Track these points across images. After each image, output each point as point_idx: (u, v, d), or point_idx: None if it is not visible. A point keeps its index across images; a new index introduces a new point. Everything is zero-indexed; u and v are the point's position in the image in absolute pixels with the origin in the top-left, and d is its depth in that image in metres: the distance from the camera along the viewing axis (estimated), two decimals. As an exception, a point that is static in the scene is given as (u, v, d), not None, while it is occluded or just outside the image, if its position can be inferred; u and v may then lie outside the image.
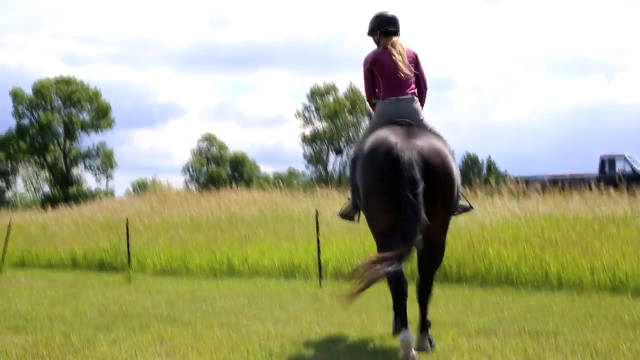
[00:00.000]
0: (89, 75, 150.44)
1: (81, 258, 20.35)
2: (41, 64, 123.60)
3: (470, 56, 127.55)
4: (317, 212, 15.33)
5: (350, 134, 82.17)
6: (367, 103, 8.72)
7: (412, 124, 7.76)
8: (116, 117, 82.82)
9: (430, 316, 7.62)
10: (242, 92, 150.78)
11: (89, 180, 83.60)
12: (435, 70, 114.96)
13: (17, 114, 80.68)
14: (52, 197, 74.27)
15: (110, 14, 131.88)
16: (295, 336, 8.05)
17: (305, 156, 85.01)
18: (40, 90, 79.98)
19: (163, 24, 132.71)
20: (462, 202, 8.29)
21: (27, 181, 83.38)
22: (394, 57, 8.07)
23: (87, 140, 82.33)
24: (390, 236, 6.90)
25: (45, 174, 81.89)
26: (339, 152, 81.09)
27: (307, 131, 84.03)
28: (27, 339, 7.98)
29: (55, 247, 22.04)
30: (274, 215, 21.37)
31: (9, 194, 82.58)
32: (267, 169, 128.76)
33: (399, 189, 6.94)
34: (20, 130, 79.85)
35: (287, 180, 76.57)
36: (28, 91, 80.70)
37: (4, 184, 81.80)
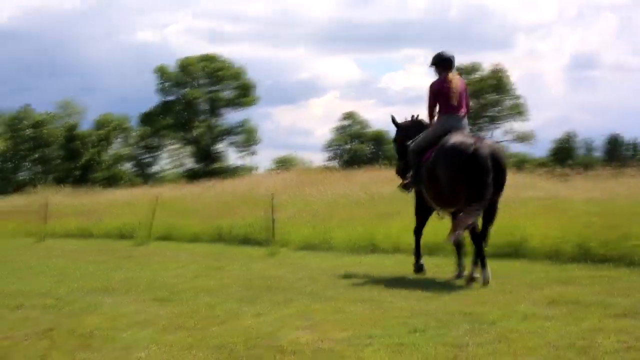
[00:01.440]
0: (232, 52, 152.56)
1: (226, 232, 20.60)
2: (185, 42, 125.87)
3: (615, 34, 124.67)
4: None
5: (493, 113, 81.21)
6: (429, 115, 11.89)
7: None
8: (258, 94, 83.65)
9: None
10: (383, 71, 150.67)
11: (232, 156, 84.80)
12: (577, 48, 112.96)
13: (163, 91, 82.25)
14: (196, 172, 75.54)
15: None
16: (438, 313, 7.97)
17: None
18: (186, 67, 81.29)
19: (306, 2, 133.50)
20: None
21: (172, 156, 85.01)
22: (452, 87, 11.67)
23: (231, 117, 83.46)
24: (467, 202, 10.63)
25: (190, 149, 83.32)
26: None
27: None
28: (172, 311, 8.10)
29: (200, 221, 22.39)
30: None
31: (154, 169, 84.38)
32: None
33: (478, 173, 10.57)
34: (165, 107, 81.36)
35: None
36: (172, 68, 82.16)
37: (150, 159, 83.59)
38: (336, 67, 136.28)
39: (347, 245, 16.79)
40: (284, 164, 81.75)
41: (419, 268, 12.00)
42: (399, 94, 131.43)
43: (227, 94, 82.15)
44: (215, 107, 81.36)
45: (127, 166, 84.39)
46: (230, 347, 6.32)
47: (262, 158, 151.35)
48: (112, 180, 63.01)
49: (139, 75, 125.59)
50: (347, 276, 11.65)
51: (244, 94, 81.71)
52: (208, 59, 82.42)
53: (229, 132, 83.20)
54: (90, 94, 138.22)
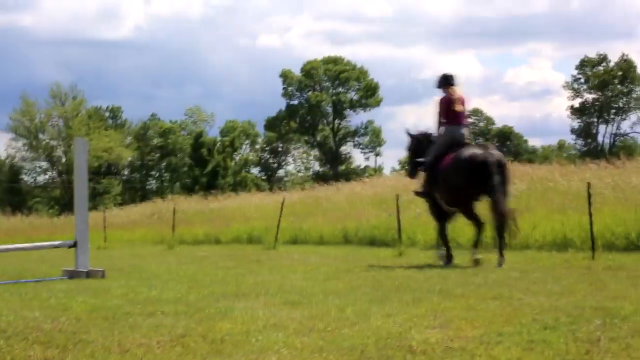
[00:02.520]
0: (352, 53, 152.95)
1: (352, 234, 20.68)
2: (306, 45, 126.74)
3: None
4: (588, 184, 14.98)
5: (621, 104, 79.62)
6: (437, 125, 14.30)
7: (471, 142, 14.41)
8: (382, 94, 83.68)
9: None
10: (506, 66, 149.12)
11: (358, 157, 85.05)
12: None
13: (287, 95, 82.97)
14: (322, 175, 75.95)
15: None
16: (569, 308, 7.84)
17: (573, 129, 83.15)
18: (309, 70, 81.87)
19: (425, 0, 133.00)
20: None
21: (298, 160, 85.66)
22: (456, 101, 13.97)
23: (355, 119, 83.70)
24: (473, 205, 13.85)
25: (315, 152, 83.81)
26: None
27: (576, 103, 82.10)
28: (303, 313, 8.13)
29: (327, 223, 22.52)
30: (544, 188, 20.99)
31: (281, 173, 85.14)
32: (534, 142, 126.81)
33: (487, 178, 12.99)
34: (291, 111, 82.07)
35: (556, 153, 75.11)
36: (296, 72, 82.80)
37: (276, 164, 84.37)
38: (459, 64, 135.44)
39: (475, 242, 16.63)
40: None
41: (448, 259, 14.20)
42: (523, 89, 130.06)
43: (351, 95, 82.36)
44: (340, 109, 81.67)
45: (254, 171, 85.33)
46: (361, 349, 6.31)
47: (387, 159, 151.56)
48: (239, 186, 63.83)
49: (262, 81, 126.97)
50: (476, 274, 11.56)
51: (368, 95, 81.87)
52: (331, 61, 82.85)
53: (353, 133, 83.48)
54: (213, 101, 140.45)
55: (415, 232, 18.34)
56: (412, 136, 15.22)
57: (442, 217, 14.52)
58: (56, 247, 14.89)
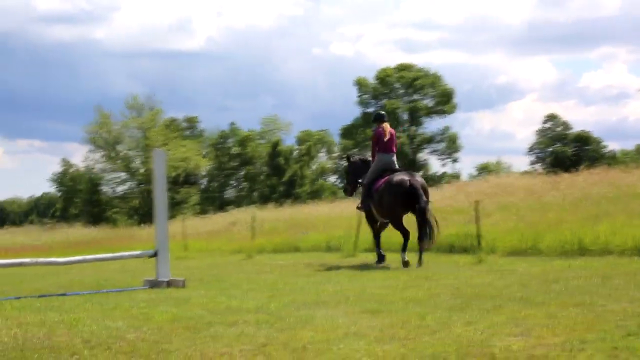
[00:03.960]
0: (425, 60, 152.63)
1: (430, 241, 20.59)
2: (378, 53, 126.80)
3: None
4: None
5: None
6: (372, 154, 17.66)
7: (399, 168, 17.41)
8: (457, 100, 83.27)
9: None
10: (581, 70, 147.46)
11: (435, 164, 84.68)
12: None
13: (362, 103, 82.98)
14: (399, 182, 75.85)
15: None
16: (654, 315, 7.75)
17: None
18: (384, 78, 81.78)
19: (497, 6, 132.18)
20: None
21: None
22: (386, 134, 17.13)
23: (431, 125, 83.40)
24: (402, 218, 16.75)
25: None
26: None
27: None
28: (383, 321, 8.13)
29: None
30: (625, 193, 20.71)
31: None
32: (613, 146, 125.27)
33: (413, 199, 16.15)
34: (366, 119, 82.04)
35: (635, 157, 74.02)
36: (370, 80, 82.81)
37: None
38: (533, 69, 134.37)
39: (556, 249, 16.50)
40: (486, 169, 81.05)
41: (380, 259, 17.26)
42: (599, 93, 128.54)
43: (427, 102, 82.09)
44: (415, 116, 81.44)
45: (331, 179, 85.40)
46: (443, 356, 6.30)
47: (464, 165, 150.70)
48: (316, 194, 63.90)
49: (335, 89, 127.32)
50: (556, 281, 11.44)
51: (443, 101, 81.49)
52: (404, 68, 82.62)
53: (430, 140, 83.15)
54: (287, 110, 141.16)
55: (494, 238, 18.17)
56: (351, 161, 18.89)
57: (376, 225, 17.89)
58: (137, 257, 15.08)
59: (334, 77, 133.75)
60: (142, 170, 75.67)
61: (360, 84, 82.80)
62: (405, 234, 16.68)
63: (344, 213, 28.26)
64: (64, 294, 12.74)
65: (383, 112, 18.13)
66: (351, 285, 12.14)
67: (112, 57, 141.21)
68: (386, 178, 16.74)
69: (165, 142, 71.32)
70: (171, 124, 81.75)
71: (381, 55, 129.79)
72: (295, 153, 77.52)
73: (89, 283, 15.17)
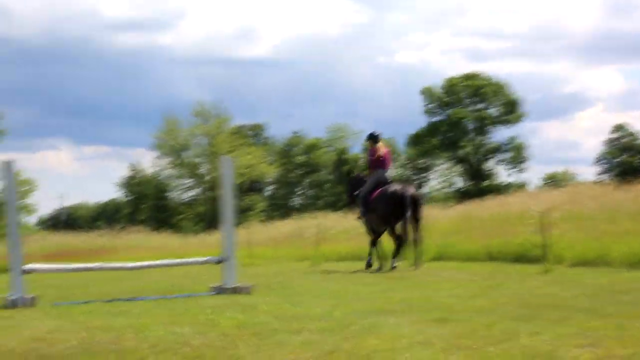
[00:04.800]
0: (492, 69, 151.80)
1: (497, 250, 20.44)
2: (444, 61, 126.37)
3: None
4: None
5: None
6: (369, 170, 19.43)
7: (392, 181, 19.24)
8: (524, 109, 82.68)
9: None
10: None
11: (502, 173, 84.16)
12: None
13: (429, 112, 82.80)
14: (465, 191, 75.43)
15: (507, 8, 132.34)
16: None
17: None
18: (450, 87, 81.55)
19: (565, 15, 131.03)
20: None
21: (442, 176, 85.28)
22: (382, 152, 19.07)
23: (498, 134, 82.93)
24: (395, 225, 18.46)
25: (459, 168, 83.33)
26: None
27: None
28: (449, 331, 8.09)
29: (472, 240, 22.33)
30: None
31: (425, 190, 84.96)
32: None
33: (407, 209, 17.96)
34: (433, 127, 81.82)
35: None
36: (436, 89, 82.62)
37: (420, 180, 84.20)
38: (601, 79, 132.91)
39: (625, 260, 16.29)
40: (554, 179, 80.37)
41: (368, 265, 19.10)
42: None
43: (493, 111, 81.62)
44: (482, 125, 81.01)
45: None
46: (509, 367, 6.26)
47: (532, 174, 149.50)
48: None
49: (400, 98, 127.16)
50: (626, 292, 11.30)
51: (510, 110, 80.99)
52: (471, 77, 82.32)
53: (497, 149, 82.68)
54: (352, 118, 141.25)
55: (562, 248, 17.99)
56: (351, 176, 21.47)
57: (374, 234, 19.37)
58: (204, 263, 15.16)
59: (398, 86, 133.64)
60: (208, 177, 76.17)
61: (426, 93, 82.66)
62: (399, 240, 18.50)
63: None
64: (131, 299, 12.88)
65: (377, 133, 19.60)
66: (417, 294, 12.10)
67: (178, 63, 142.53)
68: (381, 189, 18.65)
69: (232, 149, 71.70)
70: (238, 131, 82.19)
71: (447, 63, 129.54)
72: (361, 161, 77.37)
73: (156, 288, 15.31)
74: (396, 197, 18.15)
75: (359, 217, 19.72)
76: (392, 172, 20.14)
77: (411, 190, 18.69)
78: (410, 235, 18.37)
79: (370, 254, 19.29)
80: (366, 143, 20.55)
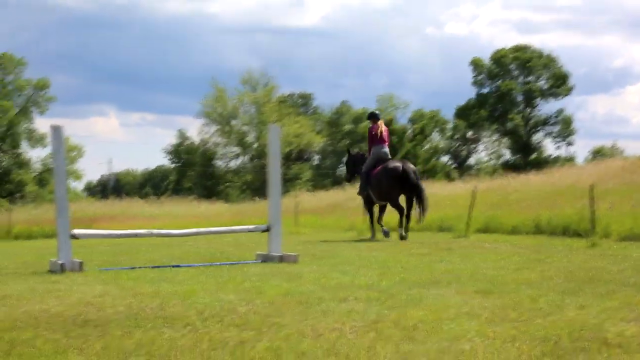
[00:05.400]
0: (542, 42, 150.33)
1: (544, 224, 20.36)
2: (493, 33, 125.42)
3: None
4: None
5: None
6: (368, 146, 20.76)
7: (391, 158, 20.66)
8: (572, 83, 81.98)
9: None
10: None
11: (549, 147, 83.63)
12: None
13: (478, 83, 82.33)
14: (513, 164, 75.03)
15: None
16: None
17: None
18: (499, 59, 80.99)
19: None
20: None
21: (489, 149, 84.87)
22: (381, 130, 20.37)
23: (546, 107, 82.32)
24: (398, 198, 20.03)
25: (506, 141, 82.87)
26: None
27: None
28: (495, 303, 8.08)
29: (518, 213, 22.25)
30: None
31: (471, 161, 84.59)
32: None
33: (408, 182, 19.56)
34: (481, 99, 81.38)
35: None
36: (485, 61, 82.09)
37: (466, 152, 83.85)
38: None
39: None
40: (601, 153, 79.72)
41: (373, 237, 20.70)
42: None
43: (541, 84, 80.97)
44: (530, 98, 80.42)
45: (444, 159, 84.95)
46: (555, 340, 6.24)
47: (579, 148, 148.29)
48: (429, 174, 63.64)
49: (448, 69, 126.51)
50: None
51: (558, 84, 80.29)
52: (520, 49, 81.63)
53: (544, 122, 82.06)
54: (400, 89, 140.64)
55: (609, 223, 17.88)
56: (350, 154, 22.52)
57: (372, 208, 21.01)
58: (250, 231, 15.24)
59: (447, 57, 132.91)
60: (255, 145, 76.31)
61: (476, 65, 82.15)
62: (401, 210, 19.89)
63: (456, 193, 28.15)
64: (177, 266, 12.98)
65: (377, 112, 21.56)
66: (463, 265, 12.09)
67: (226, 31, 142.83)
68: (382, 165, 20.09)
69: (279, 117, 71.73)
70: (286, 100, 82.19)
71: (496, 35, 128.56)
72: (409, 132, 77.20)
73: (202, 255, 15.42)
74: (398, 171, 19.68)
75: (359, 193, 21.24)
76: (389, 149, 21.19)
77: (411, 165, 20.22)
78: (409, 208, 20.08)
79: (372, 225, 21.08)
80: (367, 122, 22.03)
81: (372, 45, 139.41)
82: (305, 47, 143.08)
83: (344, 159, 22.67)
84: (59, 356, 6.03)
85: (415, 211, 19.99)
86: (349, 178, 22.71)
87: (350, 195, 33.99)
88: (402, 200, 20.26)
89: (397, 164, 20.07)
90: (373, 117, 21.03)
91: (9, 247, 22.69)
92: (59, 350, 6.21)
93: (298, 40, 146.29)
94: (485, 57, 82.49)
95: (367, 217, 21.66)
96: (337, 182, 64.87)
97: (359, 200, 23.46)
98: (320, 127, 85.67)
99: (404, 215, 19.90)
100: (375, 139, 20.55)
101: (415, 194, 19.84)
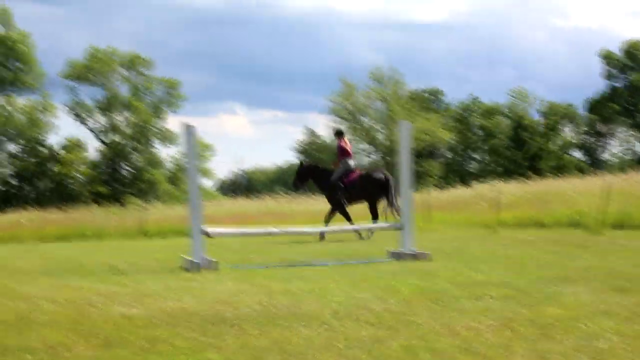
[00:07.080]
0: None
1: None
2: (623, 25, 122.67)
3: None
4: None
5: None
6: (339, 159, 23.18)
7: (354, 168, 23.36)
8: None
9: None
10: None
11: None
12: None
13: (609, 76, 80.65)
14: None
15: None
16: None
17: None
18: (631, 51, 79.19)
19: None
20: None
21: (622, 144, 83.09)
22: (348, 145, 23.22)
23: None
24: (377, 203, 22.64)
25: (638, 134, 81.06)
26: None
27: None
28: (632, 301, 7.94)
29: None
30: None
31: (604, 156, 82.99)
32: None
33: (384, 189, 22.34)
34: (613, 92, 79.73)
35: None
36: (616, 52, 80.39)
37: (599, 146, 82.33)
38: None
39: None
40: None
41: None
42: None
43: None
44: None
45: (576, 154, 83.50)
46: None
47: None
48: (561, 169, 62.64)
49: (576, 61, 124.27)
50: None
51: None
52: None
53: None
54: (528, 82, 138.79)
55: None
56: (304, 165, 24.46)
57: (345, 210, 22.94)
58: (384, 229, 15.27)
59: (575, 49, 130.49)
60: (385, 142, 76.22)
61: (606, 57, 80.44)
62: (374, 214, 22.54)
63: (587, 189, 27.65)
64: (309, 264, 13.08)
65: (341, 129, 25.38)
66: (599, 262, 11.90)
67: (353, 27, 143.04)
68: (362, 173, 23.35)
69: (409, 114, 71.45)
70: (415, 96, 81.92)
71: (626, 27, 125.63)
72: (540, 126, 76.16)
73: (334, 253, 15.50)
74: (381, 180, 22.42)
75: (329, 199, 23.22)
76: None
77: (386, 173, 22.91)
78: (384, 212, 22.46)
79: (325, 225, 22.41)
80: (334, 138, 25.08)
81: (499, 38, 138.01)
82: (431, 41, 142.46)
83: (298, 169, 24.53)
84: (197, 354, 6.15)
85: (387, 210, 22.26)
86: (298, 186, 24.39)
87: (480, 191, 33.76)
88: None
89: (380, 173, 22.93)
90: (340, 134, 24.07)
91: (141, 245, 23.18)
92: (196, 348, 6.33)
93: (425, 35, 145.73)
94: (615, 49, 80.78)
95: (347, 220, 22.97)
96: (466, 178, 64.35)
97: (489, 197, 23.20)
98: (448, 122, 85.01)
99: (351, 220, 22.62)
100: (345, 152, 23.09)
101: (388, 199, 22.26)
